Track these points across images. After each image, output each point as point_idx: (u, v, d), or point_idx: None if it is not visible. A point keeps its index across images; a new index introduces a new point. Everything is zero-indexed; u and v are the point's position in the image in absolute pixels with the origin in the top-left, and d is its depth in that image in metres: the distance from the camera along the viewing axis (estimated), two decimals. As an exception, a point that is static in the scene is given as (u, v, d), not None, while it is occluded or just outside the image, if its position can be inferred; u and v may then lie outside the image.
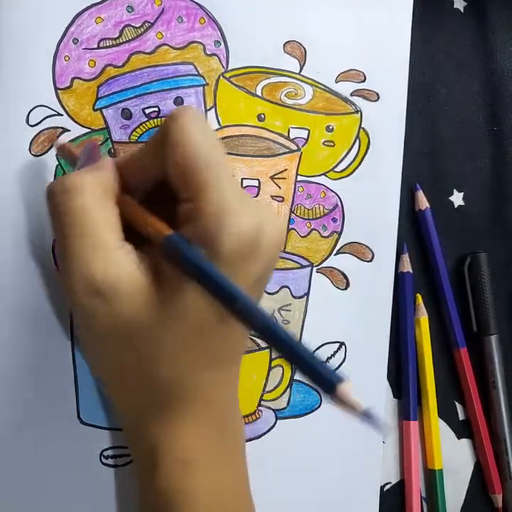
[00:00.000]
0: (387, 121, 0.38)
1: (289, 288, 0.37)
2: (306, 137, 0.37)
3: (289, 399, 0.36)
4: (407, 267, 0.38)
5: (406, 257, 0.38)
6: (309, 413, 0.36)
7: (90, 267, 0.26)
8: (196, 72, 0.36)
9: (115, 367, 0.29)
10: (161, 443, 0.28)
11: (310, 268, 0.37)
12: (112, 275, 0.26)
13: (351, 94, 0.37)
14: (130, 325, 0.26)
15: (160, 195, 0.29)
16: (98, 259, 0.26)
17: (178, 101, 0.35)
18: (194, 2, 0.36)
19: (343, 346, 0.37)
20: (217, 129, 0.36)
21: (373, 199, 0.38)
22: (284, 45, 0.37)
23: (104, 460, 0.34)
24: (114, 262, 0.26)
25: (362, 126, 0.38)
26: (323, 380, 0.22)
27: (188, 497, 0.28)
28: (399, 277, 0.38)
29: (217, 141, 0.28)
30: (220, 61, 0.36)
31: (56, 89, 0.34)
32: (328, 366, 0.22)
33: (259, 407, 0.36)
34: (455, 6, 0.40)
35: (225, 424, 0.30)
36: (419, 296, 0.39)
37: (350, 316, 0.37)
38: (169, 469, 0.28)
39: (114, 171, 0.29)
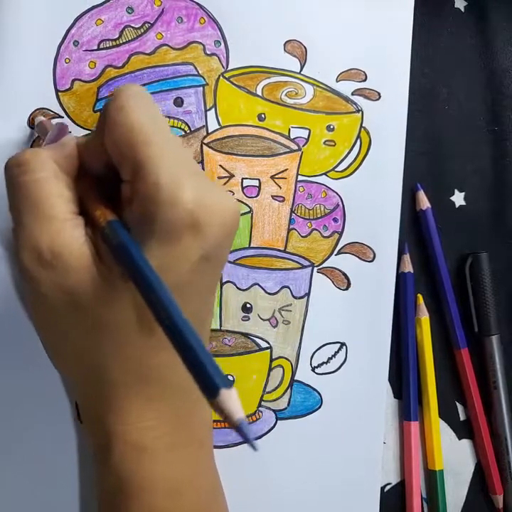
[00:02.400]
0: (389, 121, 0.38)
1: (289, 288, 0.37)
2: (306, 137, 0.37)
3: (290, 399, 0.36)
4: (408, 266, 0.38)
5: (407, 257, 0.38)
6: (310, 414, 0.36)
7: (37, 235, 0.26)
8: (196, 73, 0.36)
9: (62, 345, 0.28)
10: (114, 428, 0.28)
11: (311, 268, 0.37)
12: (57, 245, 0.26)
13: (352, 94, 0.37)
14: (74, 296, 0.26)
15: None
16: (45, 229, 0.26)
17: (178, 101, 0.35)
18: (194, 2, 0.36)
19: (344, 347, 0.37)
20: (217, 129, 0.36)
21: (374, 199, 0.38)
22: (285, 44, 0.37)
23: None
24: (61, 233, 0.26)
25: (363, 125, 0.38)
26: (208, 383, 0.21)
27: (144, 484, 0.27)
28: (400, 277, 0.38)
29: (159, 118, 0.27)
30: (220, 61, 0.36)
31: (57, 91, 0.34)
32: (219, 370, 0.21)
33: (260, 408, 0.36)
34: (456, 6, 0.40)
35: (184, 409, 0.29)
36: (420, 296, 0.39)
37: (351, 316, 0.37)
38: (123, 455, 0.27)
39: (74, 150, 0.28)
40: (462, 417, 0.39)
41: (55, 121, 0.34)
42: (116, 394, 0.28)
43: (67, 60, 0.34)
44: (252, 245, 0.36)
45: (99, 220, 0.27)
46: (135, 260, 0.24)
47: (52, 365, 0.30)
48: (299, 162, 0.37)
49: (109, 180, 0.29)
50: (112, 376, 0.27)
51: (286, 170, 0.37)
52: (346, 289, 0.37)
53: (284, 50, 0.37)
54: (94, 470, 0.30)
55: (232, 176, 0.36)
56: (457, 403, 0.39)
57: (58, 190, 0.27)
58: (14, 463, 0.33)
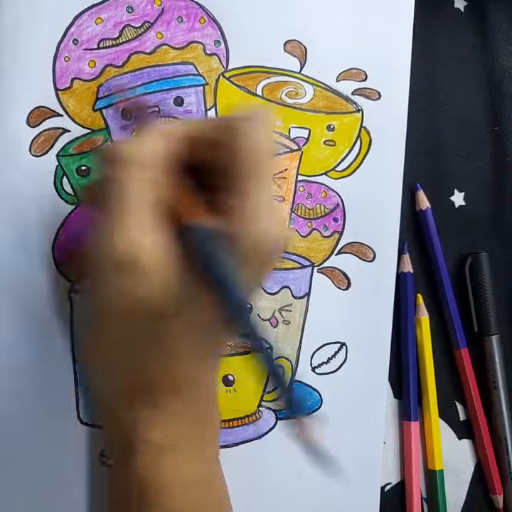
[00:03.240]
0: (389, 121, 0.38)
1: (289, 288, 0.37)
2: (306, 137, 0.37)
3: (290, 399, 0.36)
4: (407, 266, 0.38)
5: (407, 257, 0.38)
6: (310, 414, 0.36)
7: (121, 241, 0.25)
8: (196, 72, 0.36)
9: (115, 346, 0.28)
10: (140, 428, 0.28)
11: (311, 268, 0.37)
12: (140, 254, 0.25)
13: (352, 93, 0.37)
14: (145, 306, 0.26)
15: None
16: (131, 235, 0.25)
17: (178, 100, 0.35)
18: (194, 2, 0.36)
19: (344, 347, 0.37)
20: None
21: (374, 199, 0.38)
22: (285, 44, 0.37)
23: (104, 460, 0.34)
24: (147, 240, 0.26)
25: (363, 125, 0.38)
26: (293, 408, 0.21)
27: (164, 485, 0.27)
28: (400, 277, 0.38)
29: (274, 150, 0.29)
30: (220, 61, 0.36)
31: (56, 89, 0.34)
32: (305, 391, 0.22)
33: (260, 408, 0.36)
34: (456, 6, 0.40)
35: (206, 416, 0.30)
36: (419, 296, 0.39)
37: (351, 316, 0.37)
38: (146, 456, 0.27)
39: (169, 143, 0.27)
40: (462, 417, 0.39)
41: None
42: (151, 399, 0.28)
43: (67, 59, 0.34)
44: (252, 245, 0.36)
45: (190, 224, 0.26)
46: (224, 275, 0.24)
47: (81, 360, 0.31)
48: (299, 162, 0.37)
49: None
50: (151, 383, 0.28)
51: (286, 170, 0.37)
52: (346, 288, 0.37)
53: (284, 50, 0.37)
54: (107, 470, 0.30)
55: (232, 175, 0.36)
56: (457, 403, 0.39)
57: (147, 194, 0.26)
58: (14, 463, 0.33)
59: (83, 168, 0.34)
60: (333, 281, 0.37)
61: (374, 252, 0.37)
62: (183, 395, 0.28)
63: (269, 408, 0.36)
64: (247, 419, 0.36)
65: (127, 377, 0.28)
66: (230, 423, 0.36)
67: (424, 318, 0.38)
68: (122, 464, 0.28)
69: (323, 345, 0.37)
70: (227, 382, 0.35)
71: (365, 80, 0.37)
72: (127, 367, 0.28)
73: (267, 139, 0.28)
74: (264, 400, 0.36)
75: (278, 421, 0.36)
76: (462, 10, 0.40)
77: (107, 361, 0.29)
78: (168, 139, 0.27)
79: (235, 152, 0.27)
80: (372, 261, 0.37)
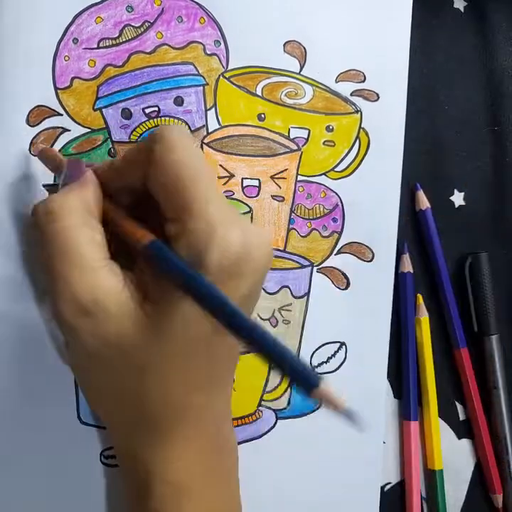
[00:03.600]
0: (387, 121, 0.38)
1: (289, 288, 0.37)
2: (306, 137, 0.37)
3: (290, 399, 0.36)
4: (407, 267, 0.38)
5: (406, 257, 0.38)
6: (310, 413, 0.36)
7: (74, 285, 0.26)
8: (196, 72, 0.36)
9: (104, 388, 0.28)
10: (153, 467, 0.27)
11: (310, 268, 0.37)
12: (98, 294, 0.26)
13: (351, 94, 0.37)
14: (118, 345, 0.26)
15: (147, 205, 0.28)
16: (83, 279, 0.26)
17: (178, 100, 0.35)
18: (194, 2, 0.36)
19: (344, 346, 0.37)
20: (217, 129, 0.36)
21: (373, 199, 0.38)
22: (284, 44, 0.37)
23: (104, 460, 0.34)
24: (100, 281, 0.26)
25: (362, 126, 0.38)
26: (307, 381, 0.22)
27: None
28: (399, 277, 0.38)
29: (203, 160, 0.28)
30: (220, 61, 0.36)
31: (56, 89, 0.34)
32: (311, 369, 0.22)
33: (260, 407, 0.36)
34: (455, 6, 0.40)
35: (218, 444, 0.29)
36: (419, 296, 0.39)
37: (350, 316, 0.37)
38: (162, 494, 0.27)
39: (96, 187, 0.29)
40: (462, 417, 0.39)
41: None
42: (159, 430, 0.28)
43: (67, 58, 0.34)
44: (251, 245, 0.36)
45: (139, 245, 0.26)
46: (198, 279, 0.24)
47: (89, 406, 0.31)
48: (299, 162, 0.37)
49: (141, 208, 0.29)
50: (155, 414, 0.27)
51: (285, 170, 0.37)
52: (345, 288, 0.37)
53: (284, 50, 0.37)
54: (125, 506, 0.30)
55: (232, 175, 0.36)
56: (457, 403, 0.39)
57: (89, 237, 0.27)
58: (14, 463, 0.33)
59: (83, 167, 0.34)
60: (332, 281, 0.37)
61: (372, 252, 0.37)
62: (191, 423, 0.28)
63: (269, 408, 0.36)
64: (247, 418, 0.36)
65: (132, 413, 0.28)
66: (230, 423, 0.35)
67: (424, 318, 0.39)
68: (140, 500, 0.28)
69: (323, 345, 0.37)
70: (227, 381, 0.35)
71: (363, 81, 0.38)
72: (128, 405, 0.28)
73: (182, 151, 0.27)
74: (264, 400, 0.36)
75: (278, 420, 0.36)
76: (462, 10, 0.40)
77: (110, 403, 0.29)
78: (87, 187, 0.28)
79: (155, 181, 0.27)
80: (370, 261, 0.37)
